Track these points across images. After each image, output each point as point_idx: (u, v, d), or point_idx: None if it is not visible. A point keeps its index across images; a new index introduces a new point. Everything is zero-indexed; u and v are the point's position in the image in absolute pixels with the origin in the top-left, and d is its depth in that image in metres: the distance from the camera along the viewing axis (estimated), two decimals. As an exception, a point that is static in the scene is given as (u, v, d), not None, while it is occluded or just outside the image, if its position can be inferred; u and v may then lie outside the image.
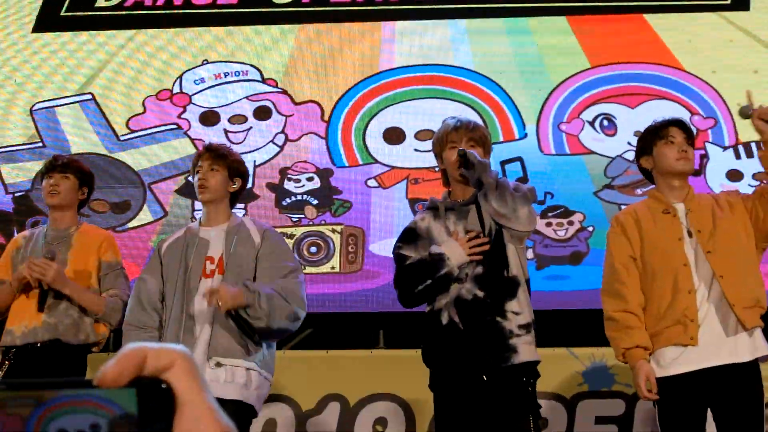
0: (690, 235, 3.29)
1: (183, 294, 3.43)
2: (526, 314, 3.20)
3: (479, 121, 3.62)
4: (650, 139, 3.44)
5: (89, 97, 5.70)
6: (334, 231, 5.29)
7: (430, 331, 3.27)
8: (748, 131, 5.30)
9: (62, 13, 5.92)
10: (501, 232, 3.25)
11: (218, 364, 3.33)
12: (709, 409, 3.21)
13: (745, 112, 3.31)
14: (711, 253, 3.23)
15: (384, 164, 5.42)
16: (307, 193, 5.39)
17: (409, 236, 3.40)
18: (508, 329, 3.15)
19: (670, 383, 3.19)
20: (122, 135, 5.58)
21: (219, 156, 3.59)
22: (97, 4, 5.92)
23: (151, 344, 0.60)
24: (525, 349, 3.16)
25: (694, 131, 3.61)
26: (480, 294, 3.20)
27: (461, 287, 3.21)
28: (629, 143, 5.19)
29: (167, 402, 0.59)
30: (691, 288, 3.21)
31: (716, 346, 3.15)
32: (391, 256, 3.47)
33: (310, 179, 5.42)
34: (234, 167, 3.61)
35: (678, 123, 3.44)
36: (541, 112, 5.45)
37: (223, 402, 3.24)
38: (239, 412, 3.32)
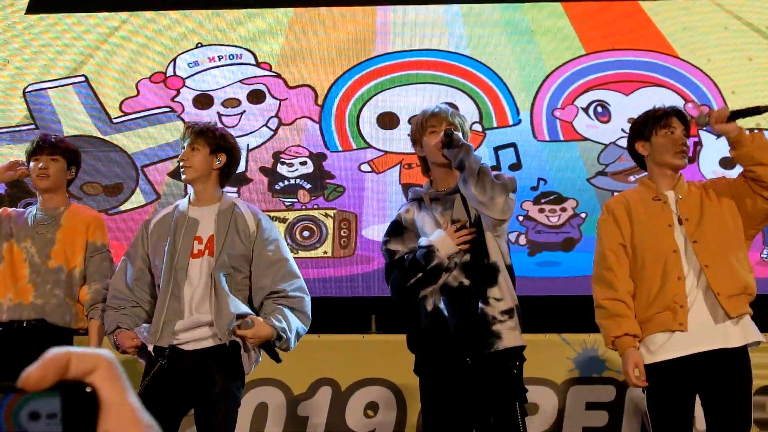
0: (680, 222, 3.30)
1: (170, 273, 3.42)
2: (507, 300, 3.21)
3: (459, 110, 3.63)
4: (651, 125, 3.42)
5: (82, 79, 5.68)
6: (327, 215, 5.29)
7: (415, 318, 3.29)
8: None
9: (56, -5, 5.89)
10: (480, 221, 3.26)
11: (210, 333, 3.37)
12: (697, 395, 3.23)
13: (702, 121, 3.31)
14: (697, 242, 3.24)
15: (377, 149, 5.42)
16: (301, 177, 5.38)
17: (396, 230, 3.42)
18: (491, 315, 3.17)
19: (659, 369, 3.20)
20: (115, 118, 5.56)
21: (198, 133, 3.53)
22: (90, -14, 5.89)
23: (75, 348, 0.61)
24: (509, 335, 3.17)
25: (689, 119, 3.61)
26: (466, 282, 3.21)
27: (448, 275, 3.22)
28: (623, 130, 5.19)
29: (91, 405, 0.60)
30: (680, 275, 3.22)
31: (704, 332, 3.16)
32: None
33: (303, 163, 5.41)
34: (216, 143, 3.54)
35: (679, 114, 3.44)
36: (535, 99, 5.45)
37: (210, 357, 3.28)
38: (229, 367, 3.37)
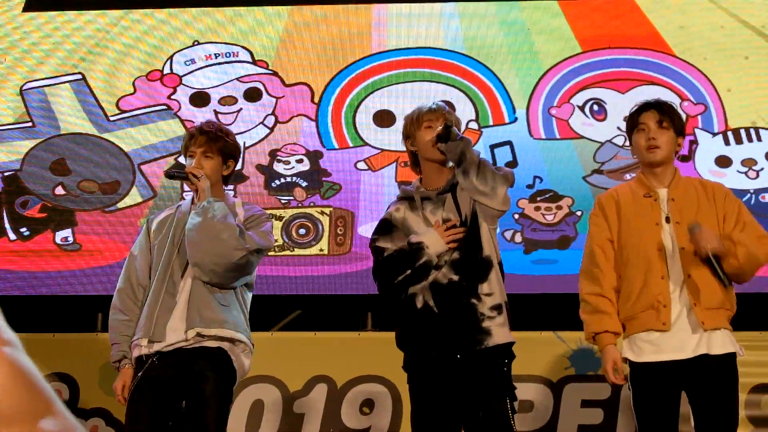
0: (668, 221, 3.26)
1: (167, 270, 3.43)
2: (496, 295, 3.20)
3: (455, 110, 3.65)
4: (630, 123, 3.41)
5: (79, 77, 5.68)
6: (323, 213, 5.29)
7: (405, 315, 3.28)
8: (737, 118, 5.33)
9: (52, -7, 5.90)
10: (476, 216, 3.26)
11: (199, 335, 3.33)
12: (685, 394, 3.22)
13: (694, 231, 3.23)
14: (684, 249, 3.19)
15: (374, 147, 5.42)
16: (297, 175, 5.39)
17: (385, 228, 3.41)
18: (480, 312, 3.16)
19: (643, 369, 3.19)
20: (112, 115, 5.56)
21: (212, 140, 3.50)
22: (87, -16, 5.89)
23: None
24: (498, 332, 3.16)
25: (684, 117, 3.57)
26: (455, 278, 3.21)
27: (437, 272, 3.23)
28: (619, 128, 5.20)
29: None
30: (664, 274, 3.18)
31: (686, 338, 3.14)
32: None
33: (299, 161, 5.42)
34: (228, 151, 3.54)
35: (650, 106, 3.36)
36: (531, 97, 5.46)
37: (203, 356, 3.26)
38: (221, 365, 3.35)
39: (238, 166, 5.23)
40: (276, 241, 5.20)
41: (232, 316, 3.40)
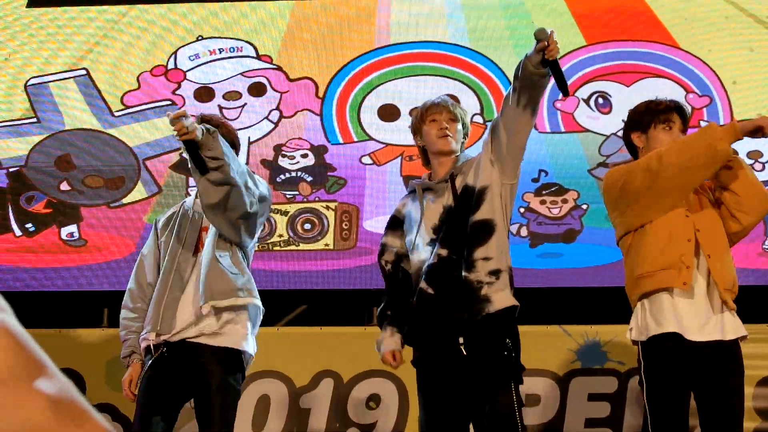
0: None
1: (173, 263, 3.47)
2: (496, 259, 3.15)
3: (460, 103, 3.64)
4: (649, 117, 3.38)
5: (83, 72, 5.68)
6: (328, 208, 5.29)
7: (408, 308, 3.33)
8: (743, 110, 5.31)
9: (56, -12, 5.89)
10: (471, 188, 3.24)
11: (217, 310, 3.36)
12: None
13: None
14: (700, 231, 3.21)
15: (379, 141, 5.42)
16: (302, 169, 5.38)
17: (392, 223, 3.48)
18: (476, 280, 3.11)
19: (661, 346, 3.16)
20: (117, 111, 5.56)
21: (213, 127, 3.50)
22: (91, -21, 5.89)
23: None
24: (498, 297, 3.12)
25: (690, 110, 3.58)
26: (444, 252, 3.19)
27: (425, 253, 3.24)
28: (624, 121, 5.18)
29: None
30: (690, 237, 3.18)
31: (703, 320, 3.14)
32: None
33: (304, 156, 5.41)
34: (228, 138, 3.54)
35: (680, 109, 3.40)
36: (536, 90, 5.44)
37: (213, 349, 3.24)
38: (227, 359, 3.37)
39: (242, 161, 5.26)
40: (281, 236, 5.21)
41: (242, 281, 3.43)
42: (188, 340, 3.36)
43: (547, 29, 2.96)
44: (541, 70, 3.05)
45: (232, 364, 3.38)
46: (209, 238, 3.46)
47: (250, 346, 3.45)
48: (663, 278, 3.16)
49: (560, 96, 5.40)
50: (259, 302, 3.49)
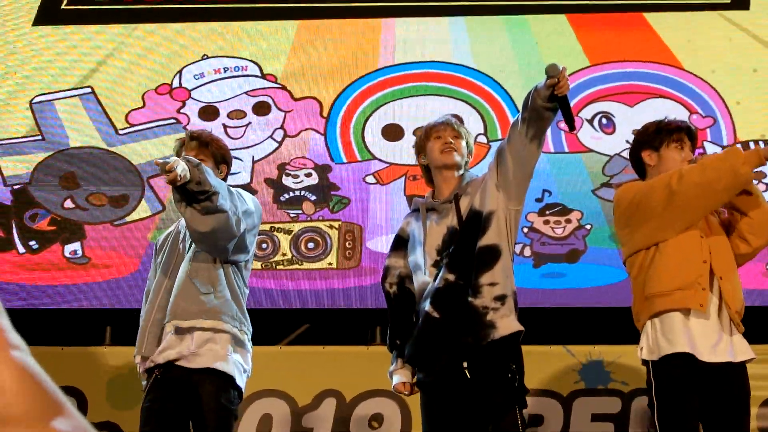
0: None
1: (160, 288, 3.47)
2: (502, 285, 3.16)
3: (463, 122, 3.65)
4: (663, 136, 3.41)
5: (88, 90, 5.70)
6: (331, 227, 5.29)
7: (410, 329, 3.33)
8: (746, 130, 5.31)
9: (63, 7, 5.92)
10: (478, 213, 3.24)
11: (178, 329, 3.33)
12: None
13: None
14: (711, 253, 3.22)
15: (382, 161, 5.42)
16: (306, 188, 5.39)
17: (396, 244, 3.49)
18: (482, 306, 3.12)
19: (671, 365, 3.15)
20: (121, 129, 5.58)
21: (204, 144, 3.52)
22: (97, -2, 5.92)
23: None
24: (503, 323, 3.12)
25: (696, 136, 3.61)
26: (451, 278, 3.19)
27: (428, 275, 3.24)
28: (627, 141, 5.17)
29: None
30: (706, 258, 3.19)
31: (714, 341, 3.14)
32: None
33: (308, 175, 5.42)
34: (219, 155, 3.56)
35: (690, 131, 3.43)
36: (539, 110, 5.44)
37: (197, 371, 3.22)
38: (216, 380, 3.32)
39: (246, 179, 5.27)
40: (285, 254, 5.21)
41: (212, 303, 3.36)
42: (174, 362, 3.34)
43: (559, 65, 2.97)
44: (550, 104, 3.08)
45: (220, 385, 3.33)
46: (188, 254, 3.44)
47: (230, 366, 3.34)
48: (679, 298, 3.16)
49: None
50: (230, 326, 3.37)
